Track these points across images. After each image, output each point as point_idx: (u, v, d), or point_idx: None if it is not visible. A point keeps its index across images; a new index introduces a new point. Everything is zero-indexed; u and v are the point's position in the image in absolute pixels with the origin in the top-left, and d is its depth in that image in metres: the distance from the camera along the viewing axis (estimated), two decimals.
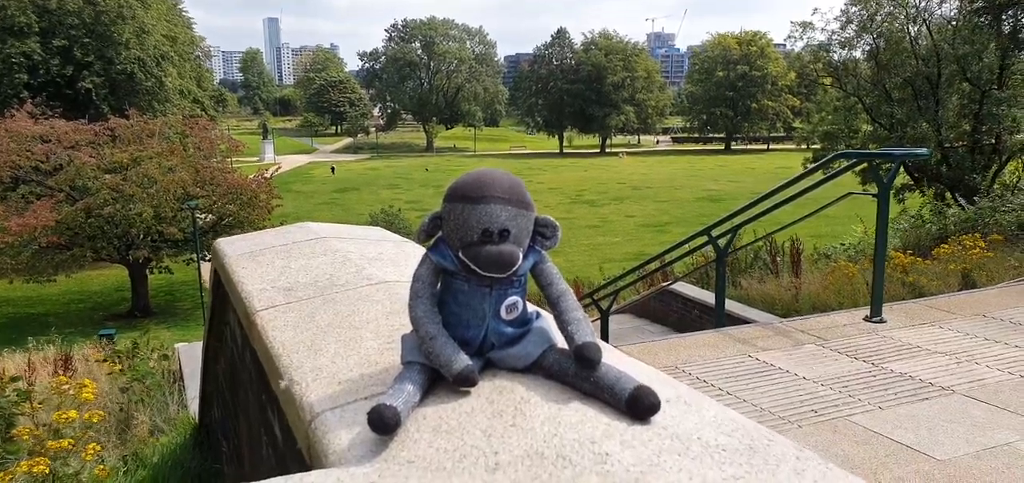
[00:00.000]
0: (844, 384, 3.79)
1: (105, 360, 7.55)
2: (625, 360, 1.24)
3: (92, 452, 3.04)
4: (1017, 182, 14.56)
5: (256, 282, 1.67)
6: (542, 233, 1.23)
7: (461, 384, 1.15)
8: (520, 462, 0.91)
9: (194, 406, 5.15)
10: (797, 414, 3.47)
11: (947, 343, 4.29)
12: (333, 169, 59.56)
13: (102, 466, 3.25)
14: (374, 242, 2.08)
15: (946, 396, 3.55)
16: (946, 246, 7.82)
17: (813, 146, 29.22)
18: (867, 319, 4.82)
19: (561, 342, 1.23)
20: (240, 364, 2.11)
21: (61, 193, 21.79)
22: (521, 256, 1.17)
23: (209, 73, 52.16)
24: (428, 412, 1.09)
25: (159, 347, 8.51)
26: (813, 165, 6.39)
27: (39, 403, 3.90)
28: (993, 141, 18.66)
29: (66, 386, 3.22)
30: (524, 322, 1.25)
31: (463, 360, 1.15)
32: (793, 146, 57.35)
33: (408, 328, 1.22)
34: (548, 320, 1.28)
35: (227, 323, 2.44)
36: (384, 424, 1.02)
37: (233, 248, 2.07)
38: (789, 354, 4.30)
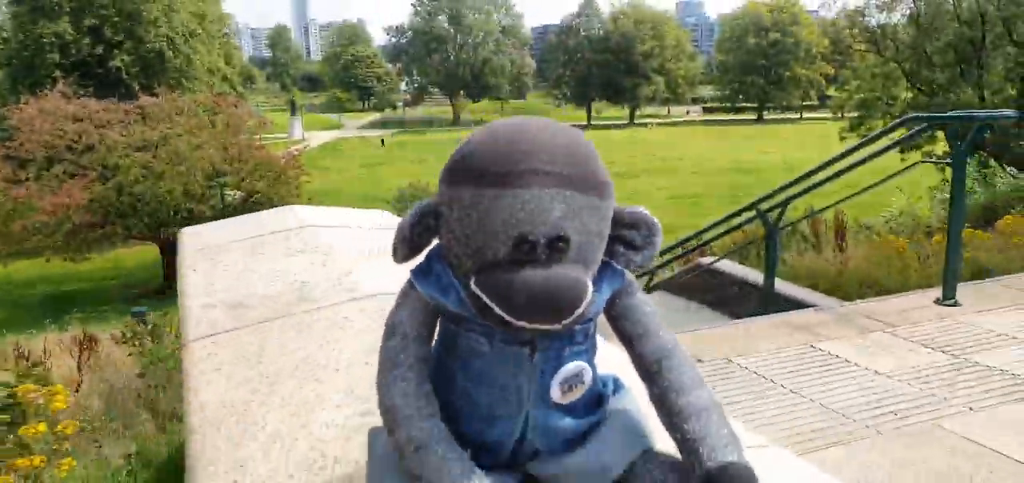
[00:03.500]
0: (925, 380, 3.32)
1: (125, 341, 7.33)
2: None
3: (67, 468, 2.70)
4: None
5: (202, 294, 1.26)
6: (627, 240, 0.69)
7: None
8: None
9: None
10: (874, 417, 3.01)
11: None
12: (383, 142, 60.27)
13: None
14: (372, 230, 1.64)
15: None
16: (1010, 217, 7.25)
17: (848, 115, 28.39)
18: (939, 302, 4.32)
19: (663, 438, 0.69)
20: None
21: (93, 172, 21.82)
22: (590, 286, 0.64)
23: (237, 50, 52.30)
24: None
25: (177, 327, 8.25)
26: (880, 131, 5.86)
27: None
28: None
29: (34, 394, 2.86)
30: (594, 402, 0.71)
31: None
32: (828, 115, 55.72)
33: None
34: (634, 396, 0.74)
35: None
36: None
37: (193, 241, 1.67)
38: (855, 344, 3.84)
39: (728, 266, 7.80)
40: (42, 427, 2.52)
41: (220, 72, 41.32)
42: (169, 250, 23.18)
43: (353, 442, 0.82)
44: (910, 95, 21.96)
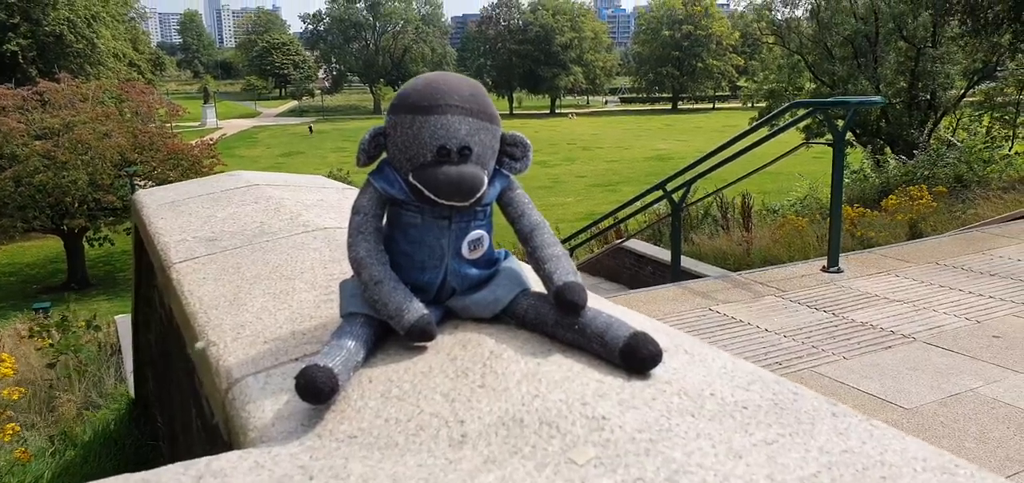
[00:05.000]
0: (807, 335, 3.73)
1: (32, 335, 7.19)
2: (608, 306, 1.07)
3: (11, 432, 2.78)
4: (952, 136, 15.00)
5: (175, 233, 1.46)
6: (510, 154, 1.03)
7: (415, 338, 0.95)
8: (493, 432, 0.73)
9: (132, 380, 4.89)
10: (761, 367, 3.39)
11: (904, 291, 4.28)
12: (310, 129, 59.33)
13: (23, 449, 2.99)
14: (313, 189, 1.87)
15: (908, 344, 3.52)
16: (893, 198, 7.90)
17: (758, 104, 29.72)
18: (824, 269, 4.78)
19: (535, 286, 1.04)
20: (168, 329, 1.90)
21: None
22: (486, 180, 0.97)
23: (145, 35, 50.34)
24: (374, 374, 0.90)
25: (90, 318, 8.11)
26: (767, 116, 6.34)
27: None
28: (928, 97, 19.15)
29: None
30: (491, 262, 1.05)
31: (417, 308, 0.95)
32: (739, 105, 57.93)
33: (349, 275, 1.02)
34: (517, 261, 1.08)
35: (154, 286, 2.21)
36: (316, 390, 0.81)
37: (153, 199, 1.85)
38: (749, 306, 4.24)
39: (643, 248, 8.23)
40: None
41: (127, 57, 39.65)
42: (72, 243, 22.28)
43: (323, 309, 1.07)
44: (813, 86, 23.16)
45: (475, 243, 1.01)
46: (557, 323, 0.98)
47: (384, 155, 1.01)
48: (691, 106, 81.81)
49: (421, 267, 1.00)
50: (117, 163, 20.86)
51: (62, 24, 34.35)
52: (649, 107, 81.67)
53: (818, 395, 0.77)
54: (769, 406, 0.74)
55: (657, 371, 0.87)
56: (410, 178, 0.96)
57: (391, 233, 1.01)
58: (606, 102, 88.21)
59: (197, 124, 55.95)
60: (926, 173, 9.05)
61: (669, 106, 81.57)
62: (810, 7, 22.82)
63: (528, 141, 1.05)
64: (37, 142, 20.53)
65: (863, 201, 8.97)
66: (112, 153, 20.77)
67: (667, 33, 76.79)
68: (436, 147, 0.94)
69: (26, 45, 33.78)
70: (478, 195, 0.96)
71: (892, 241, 6.23)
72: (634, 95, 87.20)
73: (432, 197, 0.94)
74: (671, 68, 78.01)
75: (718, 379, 0.82)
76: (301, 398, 0.82)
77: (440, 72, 1.02)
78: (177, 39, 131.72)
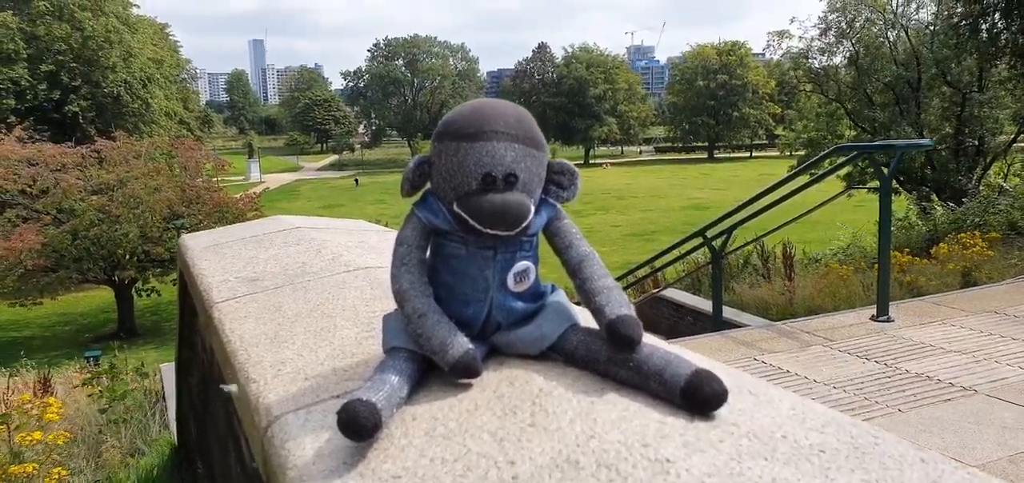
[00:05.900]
0: (858, 386, 3.59)
1: (85, 383, 7.33)
2: (664, 344, 1.02)
3: (57, 476, 2.79)
4: (1004, 182, 14.59)
5: (218, 273, 1.47)
6: (557, 182, 0.99)
7: (460, 374, 0.92)
8: (547, 473, 0.68)
9: (175, 426, 4.92)
10: None
11: (962, 341, 4.11)
12: (356, 181, 60.30)
13: None
14: (354, 232, 1.87)
15: (969, 397, 3.35)
16: (944, 246, 7.66)
17: (797, 153, 29.41)
18: (874, 318, 4.63)
19: (585, 322, 0.99)
20: (209, 373, 1.90)
21: (47, 216, 21.48)
22: (533, 208, 0.94)
23: (195, 94, 52.25)
24: (418, 411, 0.86)
25: (138, 366, 8.24)
26: (807, 162, 6.23)
27: (15, 427, 3.66)
28: (976, 142, 18.74)
29: (29, 406, 2.99)
30: (537, 296, 1.01)
31: (462, 343, 0.92)
32: (776, 153, 57.41)
33: (391, 309, 0.99)
34: (565, 295, 1.04)
35: (197, 330, 2.22)
36: (359, 425, 0.78)
37: (197, 241, 1.87)
38: (796, 357, 4.11)
39: (682, 297, 8.09)
40: (38, 435, 2.63)
41: (177, 116, 41.22)
42: (122, 294, 22.92)
43: (365, 345, 1.05)
44: (853, 133, 22.86)
45: (521, 275, 0.97)
46: (610, 360, 0.93)
47: (428, 185, 0.99)
48: (727, 155, 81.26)
49: (465, 300, 0.97)
50: (166, 216, 21.50)
51: (120, 86, 36.01)
52: (684, 157, 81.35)
53: (902, 440, 0.71)
54: (848, 450, 0.69)
55: (721, 412, 0.82)
56: (454, 207, 0.93)
57: (433, 264, 0.99)
58: (640, 152, 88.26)
59: (242, 178, 57.44)
60: (977, 220, 8.79)
61: (705, 155, 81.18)
62: (848, 54, 22.66)
63: (576, 169, 1.02)
64: (93, 197, 21.30)
65: (909, 249, 8.72)
66: (161, 207, 21.42)
67: (702, 83, 76.80)
68: (481, 174, 0.91)
69: (86, 106, 35.42)
70: (524, 224, 0.92)
71: (944, 289, 6.02)
72: (669, 144, 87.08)
73: (476, 226, 0.91)
74: (706, 117, 77.84)
75: (789, 421, 0.76)
76: (343, 434, 0.79)
77: (486, 99, 1.00)
78: (224, 97, 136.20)
